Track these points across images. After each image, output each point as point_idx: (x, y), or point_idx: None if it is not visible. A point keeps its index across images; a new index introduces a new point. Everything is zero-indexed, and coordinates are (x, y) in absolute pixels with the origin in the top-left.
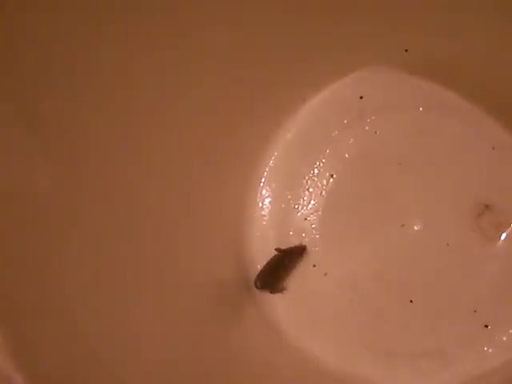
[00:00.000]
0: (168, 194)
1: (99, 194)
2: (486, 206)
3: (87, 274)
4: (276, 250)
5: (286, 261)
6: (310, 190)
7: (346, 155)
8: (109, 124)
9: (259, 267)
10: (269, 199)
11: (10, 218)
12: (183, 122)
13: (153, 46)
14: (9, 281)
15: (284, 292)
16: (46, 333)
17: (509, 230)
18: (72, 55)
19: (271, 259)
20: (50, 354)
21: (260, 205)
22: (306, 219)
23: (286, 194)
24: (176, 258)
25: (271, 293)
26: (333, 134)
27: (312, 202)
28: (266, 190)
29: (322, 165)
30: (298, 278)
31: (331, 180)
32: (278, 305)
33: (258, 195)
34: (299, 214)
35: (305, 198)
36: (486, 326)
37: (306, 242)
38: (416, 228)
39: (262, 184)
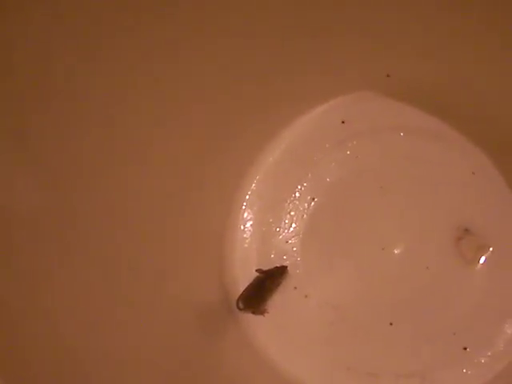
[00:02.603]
0: (150, 215)
1: (86, 209)
2: (466, 230)
3: (74, 291)
4: (257, 271)
5: (267, 282)
6: (292, 213)
7: (328, 179)
8: (98, 139)
9: (241, 289)
10: (250, 222)
11: None
12: (167, 144)
13: (148, 60)
14: None
15: (265, 314)
16: (34, 345)
17: (488, 253)
18: (64, 66)
19: (253, 281)
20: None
21: (242, 227)
22: (287, 242)
23: (268, 217)
24: (159, 278)
25: (253, 314)
26: (314, 158)
27: (293, 225)
28: (248, 213)
29: (303, 188)
30: (280, 300)
31: (312, 203)
32: (259, 326)
33: (240, 218)
34: (280, 236)
35: (286, 221)
36: (465, 349)
37: (287, 264)
38: (396, 251)
39: (243, 207)
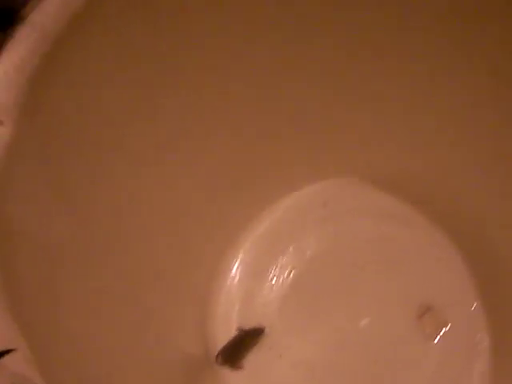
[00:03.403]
0: (141, 272)
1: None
2: (428, 308)
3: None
4: (237, 329)
5: (246, 340)
6: (273, 281)
7: (308, 253)
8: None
9: (220, 344)
10: (235, 285)
11: (32, 258)
12: (167, 209)
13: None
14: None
15: (242, 369)
16: None
17: (446, 329)
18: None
19: (232, 338)
20: None
21: (227, 290)
22: (266, 306)
23: (251, 283)
24: (144, 333)
25: (230, 368)
26: (297, 234)
27: (273, 291)
28: (234, 277)
29: (284, 259)
30: (256, 358)
31: (292, 273)
32: (235, 382)
33: (227, 281)
34: (261, 300)
35: (267, 288)
36: None
37: (264, 326)
38: (364, 322)
39: (230, 271)
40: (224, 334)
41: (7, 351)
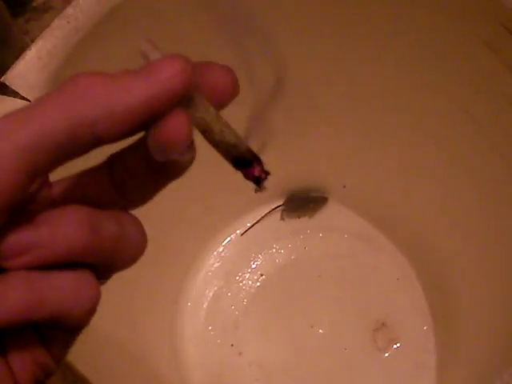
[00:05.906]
0: None
1: None
2: (383, 324)
3: None
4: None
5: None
6: (241, 283)
7: (277, 261)
8: None
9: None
10: (206, 285)
11: None
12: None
13: None
14: None
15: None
16: None
17: (397, 345)
18: None
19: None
20: None
21: (198, 289)
22: (232, 306)
23: (221, 283)
24: (126, 312)
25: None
26: (269, 242)
27: (241, 293)
28: (206, 277)
29: (255, 265)
30: (219, 353)
31: (261, 278)
32: (197, 373)
33: (198, 280)
34: (228, 300)
35: (236, 289)
36: None
37: (229, 324)
38: (321, 331)
39: (203, 272)
40: (191, 329)
41: None
